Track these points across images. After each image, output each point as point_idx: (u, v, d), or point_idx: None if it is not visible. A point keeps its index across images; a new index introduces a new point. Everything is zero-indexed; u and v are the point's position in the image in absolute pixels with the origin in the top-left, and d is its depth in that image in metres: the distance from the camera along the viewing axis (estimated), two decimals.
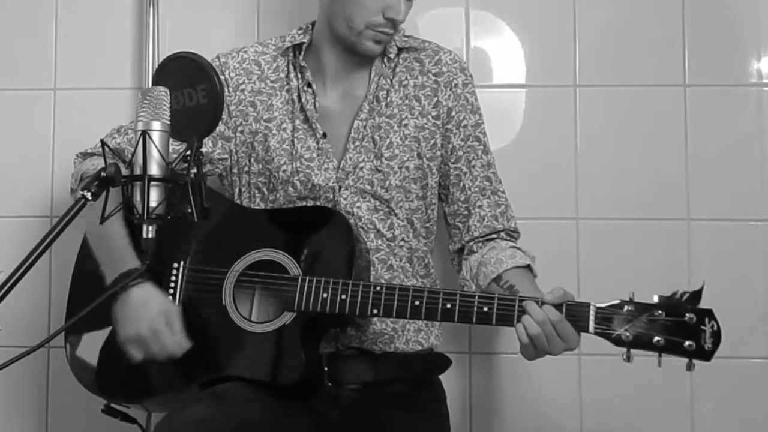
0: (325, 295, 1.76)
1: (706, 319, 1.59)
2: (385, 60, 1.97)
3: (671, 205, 2.29)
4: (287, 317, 1.78)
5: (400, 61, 1.99)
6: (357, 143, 1.93)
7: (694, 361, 1.59)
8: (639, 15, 2.33)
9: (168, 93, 1.37)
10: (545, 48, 2.35)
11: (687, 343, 1.58)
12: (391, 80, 1.98)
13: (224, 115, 1.95)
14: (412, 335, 1.95)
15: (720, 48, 2.31)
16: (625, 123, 2.31)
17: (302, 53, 1.97)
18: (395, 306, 1.74)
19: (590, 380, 2.24)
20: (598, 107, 2.31)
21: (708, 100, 2.30)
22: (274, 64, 2.00)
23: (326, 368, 1.85)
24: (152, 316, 1.77)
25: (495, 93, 2.28)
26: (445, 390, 2.03)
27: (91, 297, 1.89)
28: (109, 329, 1.87)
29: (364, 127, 1.94)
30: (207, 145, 1.94)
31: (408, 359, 1.94)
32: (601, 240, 2.29)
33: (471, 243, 2.00)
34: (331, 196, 1.91)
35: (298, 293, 1.78)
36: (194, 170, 1.38)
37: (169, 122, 1.36)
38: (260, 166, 1.96)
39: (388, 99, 1.96)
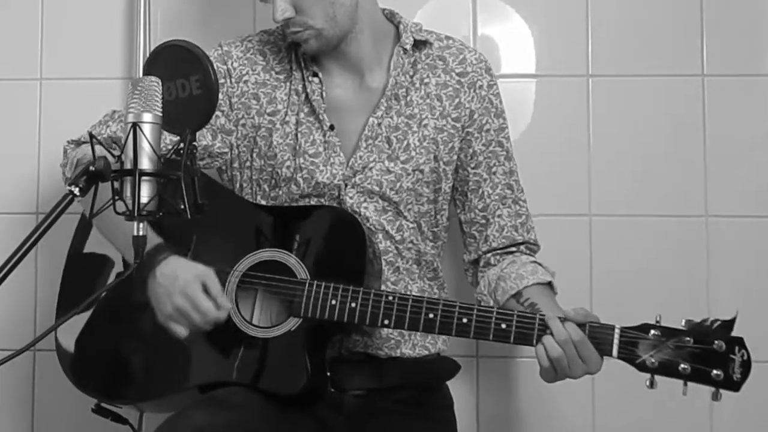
0: (333, 302, 1.75)
1: (736, 348, 1.58)
2: (403, 53, 1.95)
3: (688, 201, 2.28)
4: (292, 323, 1.77)
5: (423, 57, 1.97)
6: (370, 141, 1.91)
7: (722, 391, 1.58)
8: (655, 1, 2.32)
9: (160, 83, 1.36)
10: (556, 36, 2.34)
11: (714, 372, 1.57)
12: (412, 77, 1.96)
13: (225, 107, 1.94)
14: (419, 340, 1.94)
15: (740, 36, 2.30)
16: (640, 115, 2.30)
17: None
18: (407, 318, 1.72)
19: (604, 386, 2.23)
20: (611, 98, 2.30)
21: (727, 90, 2.29)
22: (280, 54, 1.99)
23: (329, 374, 1.83)
24: (183, 285, 1.74)
25: (503, 83, 2.25)
26: (452, 396, 2.03)
27: (88, 283, 1.92)
28: (100, 314, 1.89)
29: (379, 125, 1.92)
30: (206, 138, 1.93)
31: (414, 364, 1.94)
32: (615, 238, 2.28)
33: (489, 255, 1.99)
34: (337, 195, 1.90)
35: (305, 299, 1.76)
36: (188, 164, 1.37)
37: (161, 114, 1.35)
38: (262, 162, 1.94)
39: (408, 98, 1.94)
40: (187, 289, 1.74)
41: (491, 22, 2.34)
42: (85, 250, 1.98)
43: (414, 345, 1.93)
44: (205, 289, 1.75)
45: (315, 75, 1.93)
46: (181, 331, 1.76)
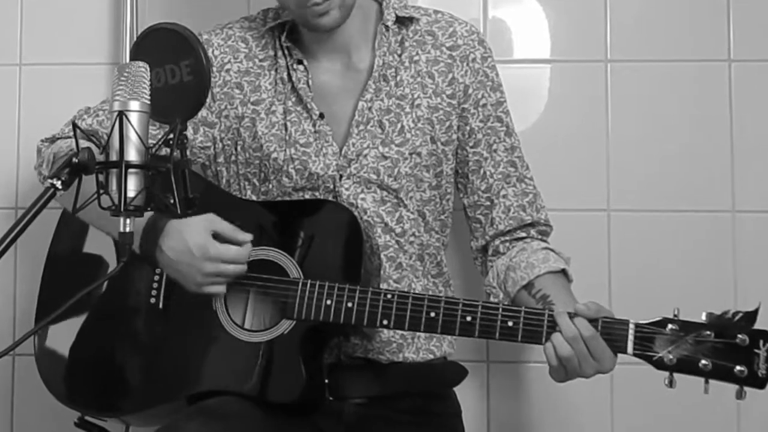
0: (328, 302, 1.75)
1: (761, 342, 1.57)
2: (386, 30, 1.95)
3: (714, 196, 2.28)
4: (285, 326, 1.77)
5: (410, 34, 1.97)
6: (361, 127, 1.91)
7: (746, 388, 1.57)
8: None
9: (148, 69, 1.36)
10: (572, 18, 2.33)
11: (738, 368, 1.57)
12: (400, 56, 1.96)
13: (207, 99, 1.93)
14: (423, 343, 1.93)
15: None
16: (663, 103, 2.29)
17: (284, 33, 1.96)
18: (408, 317, 1.73)
19: (624, 392, 2.23)
20: (631, 85, 2.30)
21: (755, 77, 2.28)
22: (263, 41, 1.99)
23: (327, 381, 1.83)
24: (202, 249, 1.74)
25: (516, 69, 2.27)
26: (460, 403, 2.03)
27: (71, 283, 1.91)
28: (83, 318, 1.89)
29: (369, 109, 1.92)
30: (188, 132, 1.92)
31: (418, 370, 1.93)
32: (636, 234, 2.28)
33: (497, 241, 1.99)
34: (332, 186, 1.90)
35: (298, 299, 1.77)
36: (177, 156, 1.37)
37: (149, 102, 1.34)
38: (248, 155, 1.94)
39: (398, 78, 1.94)
40: (208, 251, 1.75)
41: (503, 3, 2.34)
42: (69, 252, 1.97)
43: (418, 349, 1.93)
44: (218, 237, 1.76)
45: (300, 62, 1.94)
46: (219, 290, 1.78)
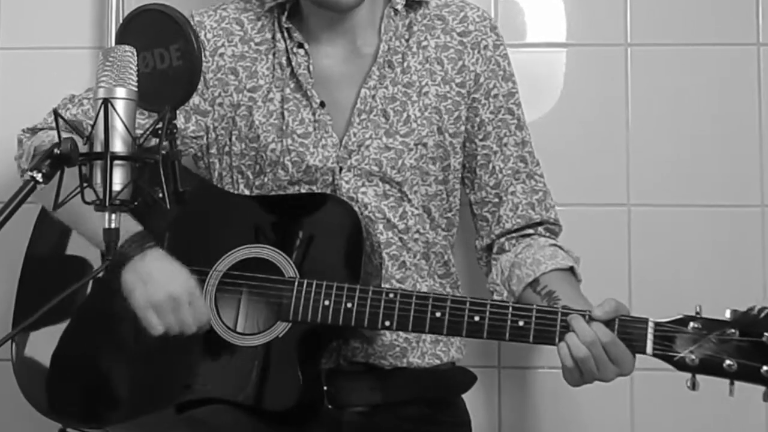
0: (326, 303, 1.75)
1: None
2: (394, 14, 1.95)
3: (742, 189, 2.28)
4: (280, 328, 1.77)
5: (419, 18, 1.98)
6: (364, 116, 1.91)
7: None
8: None
9: (135, 53, 1.36)
10: None
11: (765, 368, 1.56)
12: (407, 41, 1.96)
13: (200, 85, 1.93)
14: (429, 347, 1.93)
15: None
16: (687, 90, 2.30)
17: (285, 13, 1.95)
18: (411, 318, 1.72)
19: (644, 399, 2.24)
20: (653, 71, 2.30)
21: None
22: (259, 23, 1.99)
23: (326, 387, 1.83)
24: (185, 281, 1.75)
25: (529, 54, 2.26)
26: (469, 412, 2.03)
27: (51, 285, 1.91)
28: (65, 323, 1.88)
29: (373, 97, 1.92)
30: (179, 120, 1.92)
31: (424, 376, 1.93)
32: (657, 231, 2.28)
33: (502, 238, 1.99)
34: (331, 180, 1.90)
35: (294, 300, 1.76)
36: (167, 146, 1.37)
37: (136, 89, 1.34)
38: (243, 146, 1.95)
39: (405, 64, 1.94)
40: (194, 288, 1.75)
41: None
42: (49, 251, 1.97)
43: (423, 353, 1.93)
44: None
45: (300, 46, 1.94)
46: (156, 327, 1.74)
